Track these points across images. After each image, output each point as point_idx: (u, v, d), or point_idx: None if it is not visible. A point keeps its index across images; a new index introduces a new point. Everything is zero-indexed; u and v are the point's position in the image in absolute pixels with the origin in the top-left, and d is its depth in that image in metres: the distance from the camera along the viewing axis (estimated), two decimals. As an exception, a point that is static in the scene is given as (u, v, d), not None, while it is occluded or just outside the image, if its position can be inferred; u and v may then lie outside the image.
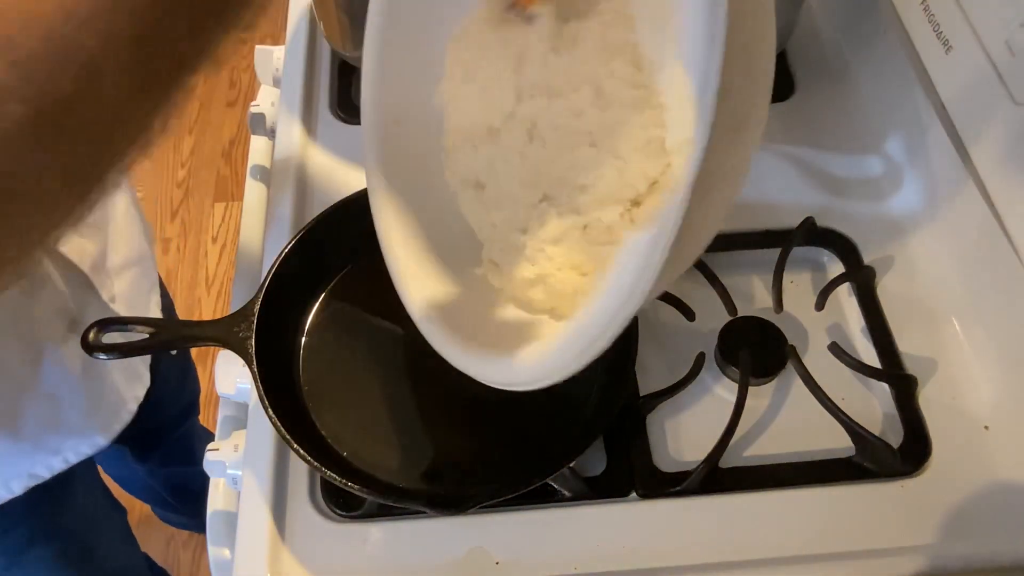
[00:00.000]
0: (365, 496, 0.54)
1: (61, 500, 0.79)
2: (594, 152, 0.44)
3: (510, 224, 0.50)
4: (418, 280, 0.52)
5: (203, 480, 0.66)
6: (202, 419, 1.21)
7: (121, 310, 0.73)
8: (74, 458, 0.74)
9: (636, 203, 0.43)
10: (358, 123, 0.78)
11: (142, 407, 0.97)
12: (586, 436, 0.57)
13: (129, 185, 0.80)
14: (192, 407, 1.14)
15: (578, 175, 0.45)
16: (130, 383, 0.78)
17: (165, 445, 1.11)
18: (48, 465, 0.72)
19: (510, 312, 0.50)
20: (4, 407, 0.66)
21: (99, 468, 0.92)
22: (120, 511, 0.99)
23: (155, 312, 0.81)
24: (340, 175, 0.75)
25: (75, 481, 0.81)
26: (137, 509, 1.40)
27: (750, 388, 0.61)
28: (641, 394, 0.61)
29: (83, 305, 0.69)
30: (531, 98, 0.48)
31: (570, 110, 0.46)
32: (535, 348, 0.44)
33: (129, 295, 0.75)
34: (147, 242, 0.82)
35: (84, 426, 0.73)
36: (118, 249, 0.74)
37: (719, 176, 0.38)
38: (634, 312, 0.38)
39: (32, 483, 0.72)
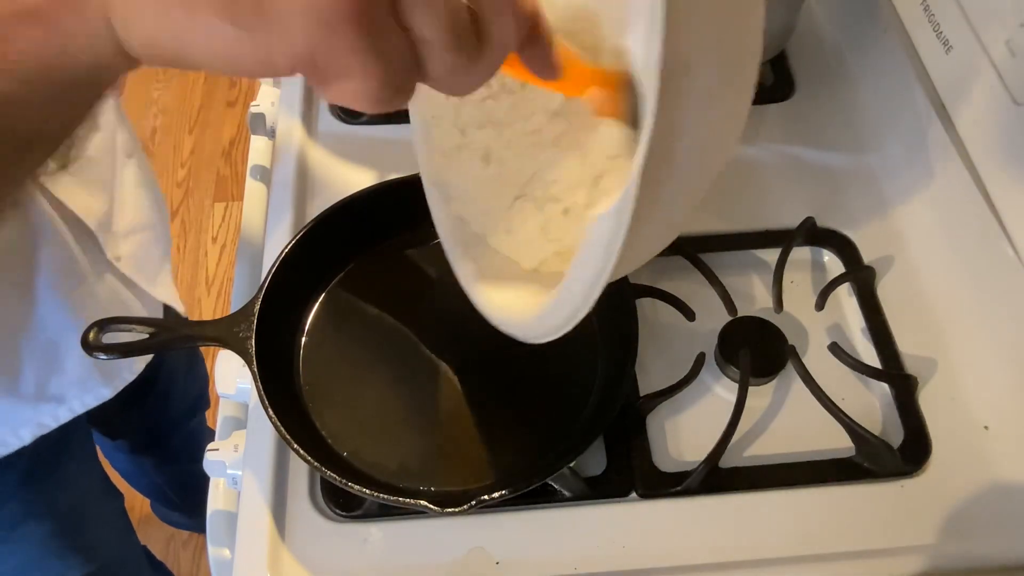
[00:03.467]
0: (365, 496, 0.54)
1: (55, 476, 0.80)
2: (557, 151, 0.46)
3: (494, 228, 0.51)
4: (462, 251, 0.54)
5: (208, 479, 0.67)
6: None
7: (127, 270, 0.74)
8: (79, 408, 0.74)
9: (599, 180, 0.44)
10: (358, 123, 0.79)
11: (150, 401, 0.97)
12: (586, 436, 0.57)
13: (141, 152, 0.81)
14: (201, 401, 1.14)
15: (546, 172, 0.47)
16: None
17: (174, 441, 1.11)
18: (54, 415, 0.73)
19: (528, 272, 0.52)
20: (1, 347, 0.67)
21: (100, 454, 0.92)
22: (117, 498, 0.99)
23: (166, 282, 0.81)
24: (340, 175, 0.75)
25: (70, 461, 0.81)
26: (138, 508, 1.40)
27: (750, 388, 0.61)
28: (641, 394, 0.61)
29: (89, 261, 0.70)
30: (480, 129, 0.50)
31: (525, 131, 0.48)
32: (538, 308, 0.46)
33: (137, 259, 0.75)
34: (158, 212, 0.83)
35: (87, 376, 0.73)
36: (125, 213, 0.75)
37: (690, 140, 0.36)
38: (607, 280, 0.38)
39: (40, 432, 0.72)
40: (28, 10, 0.28)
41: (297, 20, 0.26)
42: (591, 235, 0.39)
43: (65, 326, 0.69)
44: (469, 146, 0.51)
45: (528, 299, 0.49)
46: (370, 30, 0.27)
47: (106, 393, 0.76)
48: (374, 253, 0.67)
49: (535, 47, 0.32)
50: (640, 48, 0.33)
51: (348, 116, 0.79)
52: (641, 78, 0.36)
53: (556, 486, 0.58)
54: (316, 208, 0.69)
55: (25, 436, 0.72)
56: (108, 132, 0.72)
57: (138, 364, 0.79)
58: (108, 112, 0.73)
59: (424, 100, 0.53)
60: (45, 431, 0.73)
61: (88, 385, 0.74)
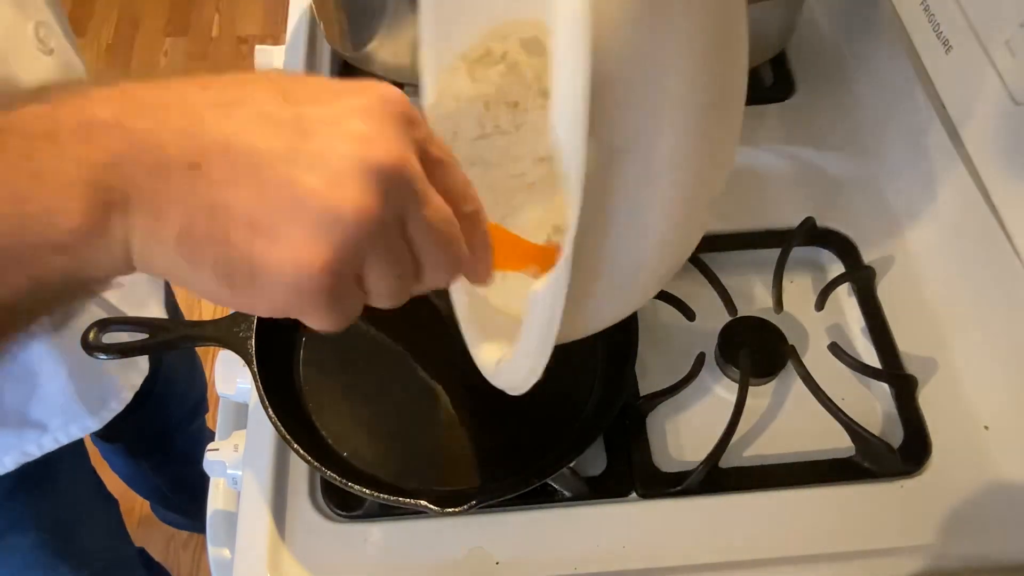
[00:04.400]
0: (365, 496, 0.54)
1: (44, 488, 0.79)
2: (528, 196, 0.46)
3: None
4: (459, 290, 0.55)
5: (208, 481, 0.66)
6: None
7: (112, 297, 0.73)
8: (64, 438, 0.74)
9: (559, 229, 0.44)
10: (358, 123, 0.79)
11: (148, 405, 0.97)
12: (586, 436, 0.57)
13: None
14: (200, 405, 1.13)
15: (512, 217, 0.47)
16: (125, 370, 0.78)
17: (173, 444, 1.11)
18: (38, 443, 0.72)
19: (501, 318, 0.52)
20: None
21: (92, 460, 0.92)
22: (111, 503, 0.99)
23: (156, 307, 0.81)
24: (340, 175, 0.75)
25: (60, 469, 0.81)
26: (137, 509, 1.40)
27: (750, 388, 0.61)
28: (641, 394, 0.61)
29: None
30: (470, 166, 0.50)
31: (510, 174, 0.48)
32: (500, 362, 0.48)
33: (123, 285, 0.75)
34: None
35: (69, 405, 0.73)
36: None
37: (629, 224, 0.38)
38: (549, 353, 0.40)
39: (24, 459, 0.72)
40: (61, 244, 0.30)
41: (281, 291, 0.31)
42: (530, 311, 0.40)
43: (43, 354, 0.68)
44: None
45: (499, 341, 0.49)
46: (338, 297, 0.32)
47: (92, 424, 0.75)
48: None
49: (470, 271, 0.37)
50: (564, 134, 0.34)
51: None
52: (563, 165, 0.36)
53: (556, 486, 0.58)
54: (316, 208, 0.68)
55: (8, 463, 0.71)
56: None
57: (126, 393, 0.78)
58: None
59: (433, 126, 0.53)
60: (29, 459, 0.72)
61: (72, 415, 0.73)
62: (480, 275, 0.38)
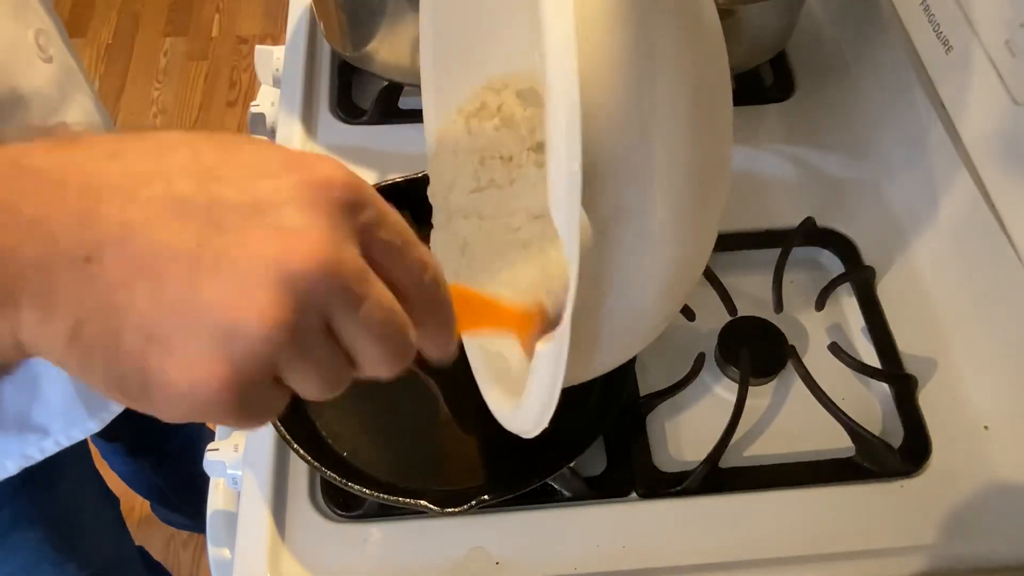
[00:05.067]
0: (365, 496, 0.54)
1: (49, 485, 0.79)
2: (522, 253, 0.46)
3: None
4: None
5: (207, 480, 0.66)
6: (203, 419, 1.21)
7: None
8: (66, 441, 0.74)
9: (552, 291, 0.44)
10: (358, 123, 0.79)
11: None
12: (586, 436, 0.57)
13: None
14: None
15: (503, 273, 0.47)
16: None
17: (172, 443, 1.11)
18: (40, 447, 0.72)
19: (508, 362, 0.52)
20: None
21: (93, 458, 0.92)
22: (113, 501, 0.99)
23: None
24: (340, 175, 0.75)
25: (65, 467, 0.81)
26: (138, 508, 1.40)
27: (750, 388, 0.61)
28: (641, 394, 0.61)
29: None
30: (465, 218, 0.51)
31: (505, 228, 0.48)
32: (510, 405, 0.48)
33: None
34: None
35: (70, 408, 0.73)
36: None
37: (627, 283, 0.39)
38: (556, 399, 0.40)
39: (25, 463, 0.72)
40: None
41: (176, 405, 0.28)
42: (534, 371, 0.40)
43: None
44: (452, 232, 0.51)
45: (507, 386, 0.50)
46: (246, 406, 0.28)
47: (92, 426, 0.75)
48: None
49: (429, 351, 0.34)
50: (558, 211, 0.34)
51: (348, 116, 0.79)
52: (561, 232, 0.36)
53: (556, 486, 0.58)
54: (316, 208, 0.68)
55: (10, 467, 0.71)
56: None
57: None
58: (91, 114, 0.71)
59: (432, 171, 0.53)
60: (31, 463, 0.72)
61: (73, 418, 0.73)
62: (440, 353, 0.34)
